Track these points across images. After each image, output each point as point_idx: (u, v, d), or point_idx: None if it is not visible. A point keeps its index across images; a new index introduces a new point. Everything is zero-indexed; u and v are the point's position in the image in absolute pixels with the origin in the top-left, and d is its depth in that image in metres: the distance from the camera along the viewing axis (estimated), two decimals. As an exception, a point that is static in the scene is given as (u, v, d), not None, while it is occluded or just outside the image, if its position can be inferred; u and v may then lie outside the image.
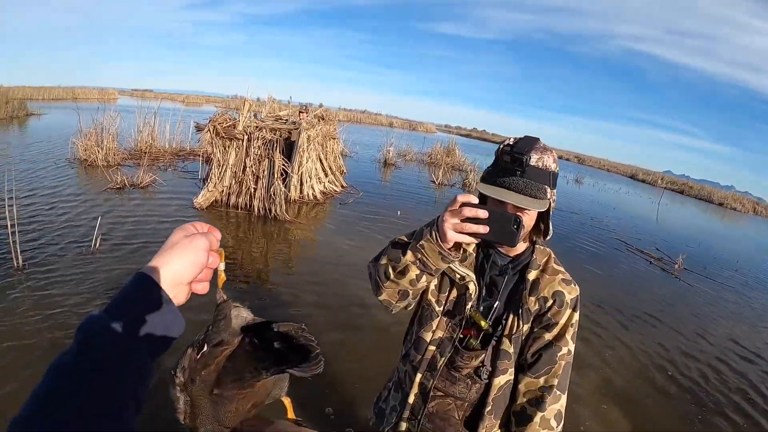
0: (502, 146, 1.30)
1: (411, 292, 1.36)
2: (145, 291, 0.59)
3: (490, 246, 1.45)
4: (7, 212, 4.98)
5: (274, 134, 7.91)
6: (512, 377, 1.43)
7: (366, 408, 3.23)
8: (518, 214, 1.13)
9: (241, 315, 0.87)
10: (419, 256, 1.23)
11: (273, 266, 5.79)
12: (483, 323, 1.41)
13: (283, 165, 8.00)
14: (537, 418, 1.37)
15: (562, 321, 1.39)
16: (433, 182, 14.48)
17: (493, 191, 1.26)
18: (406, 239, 1.34)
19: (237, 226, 7.13)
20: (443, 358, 1.47)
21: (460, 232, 1.12)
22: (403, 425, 1.57)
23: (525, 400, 1.41)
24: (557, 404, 1.38)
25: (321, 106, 11.12)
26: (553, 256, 1.48)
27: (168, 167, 10.47)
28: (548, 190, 1.28)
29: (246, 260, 5.77)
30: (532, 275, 1.42)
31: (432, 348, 1.49)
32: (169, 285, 0.61)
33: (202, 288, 0.69)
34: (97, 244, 5.30)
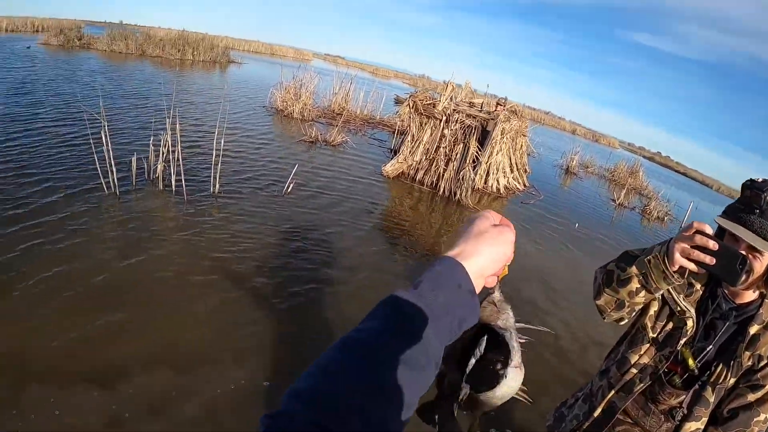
0: (749, 182, 1.25)
1: (627, 304, 1.37)
2: (456, 279, 0.57)
3: (717, 286, 1.38)
4: (214, 143, 5.51)
5: (473, 120, 7.94)
6: (703, 426, 1.37)
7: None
8: (749, 255, 1.13)
9: (510, 319, 0.77)
10: (643, 270, 1.24)
11: (436, 246, 5.85)
12: (691, 362, 1.37)
13: (477, 152, 8.02)
14: None
15: None
16: (613, 201, 13.71)
17: (728, 224, 1.23)
18: (636, 252, 1.34)
19: (420, 200, 7.33)
20: (641, 384, 1.45)
21: (687, 258, 1.11)
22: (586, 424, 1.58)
23: None
24: None
25: (506, 99, 10.86)
26: None
27: (358, 131, 10.91)
28: None
29: (423, 235, 5.91)
30: (753, 329, 1.32)
31: (634, 371, 1.47)
32: (474, 275, 0.59)
33: (491, 282, 0.67)
34: (289, 189, 5.60)
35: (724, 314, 1.36)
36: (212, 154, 5.37)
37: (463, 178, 7.73)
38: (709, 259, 1.06)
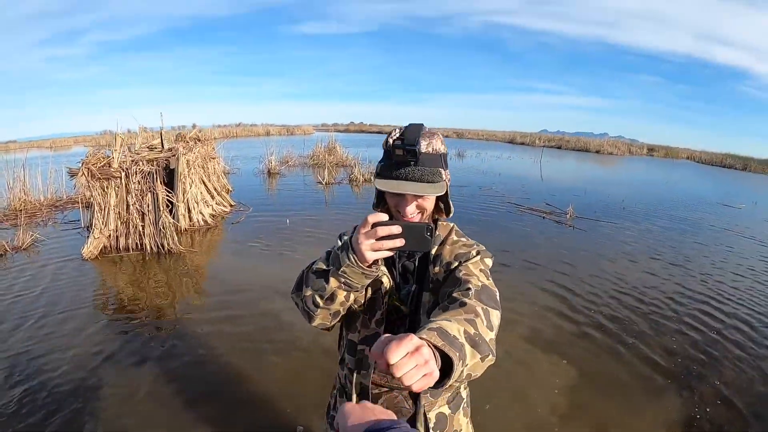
0: (391, 140, 1.35)
1: (342, 309, 1.38)
2: None
3: None
4: None
5: (152, 165, 7.76)
6: None
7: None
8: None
9: None
10: (342, 280, 1.23)
11: (180, 302, 5.72)
12: (403, 308, 1.47)
13: (167, 195, 7.89)
14: (453, 312, 1.18)
15: (469, 269, 1.38)
16: (320, 183, 14.70)
17: (391, 185, 1.32)
18: (324, 266, 1.34)
19: (133, 268, 6.92)
20: None
21: (378, 250, 1.13)
22: None
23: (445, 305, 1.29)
24: (480, 307, 1.20)
25: (194, 126, 10.97)
26: (455, 228, 1.58)
27: (48, 221, 9.96)
28: (442, 171, 1.36)
29: (151, 304, 5.59)
30: (434, 250, 1.49)
31: (362, 347, 1.51)
32: None
33: None
34: None
35: (410, 254, 1.51)
36: None
37: (163, 226, 7.56)
38: (399, 242, 1.11)
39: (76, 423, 3.43)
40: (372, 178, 14.59)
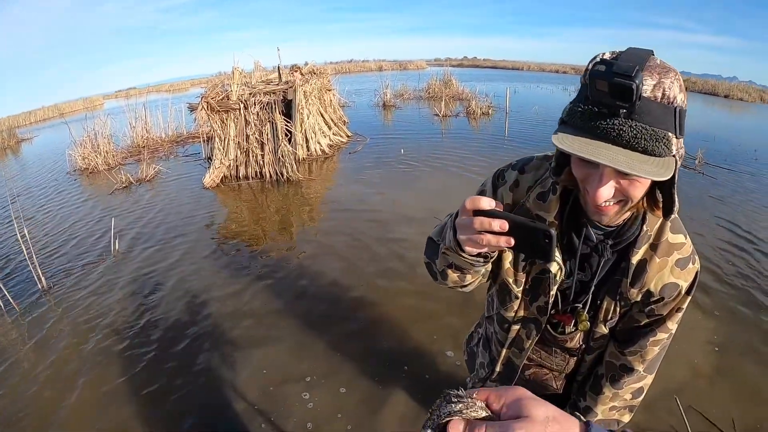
0: (592, 65, 0.80)
1: (469, 284, 1.15)
2: None
3: (576, 209, 1.07)
4: (19, 237, 4.85)
5: (271, 96, 7.71)
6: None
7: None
8: (549, 230, 0.71)
9: None
10: (449, 262, 1.01)
11: (299, 229, 5.73)
12: (583, 319, 1.16)
13: (286, 125, 7.85)
14: (609, 393, 1.26)
15: (668, 310, 1.11)
16: (437, 115, 14.16)
17: (579, 146, 0.78)
18: (435, 238, 1.13)
19: (252, 196, 7.02)
20: (530, 340, 1.28)
21: (479, 244, 0.79)
22: (492, 385, 1.46)
23: (604, 370, 1.26)
24: (638, 383, 1.24)
25: (306, 64, 10.72)
26: (669, 221, 1.04)
27: (169, 155, 10.31)
28: (673, 139, 0.80)
29: (270, 229, 5.68)
30: (637, 256, 1.05)
31: (516, 327, 1.29)
32: None
33: None
34: (117, 247, 5.16)
35: (596, 247, 1.07)
36: (21, 249, 4.67)
37: (282, 155, 7.58)
38: (505, 242, 0.75)
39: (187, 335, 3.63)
40: (489, 111, 13.87)
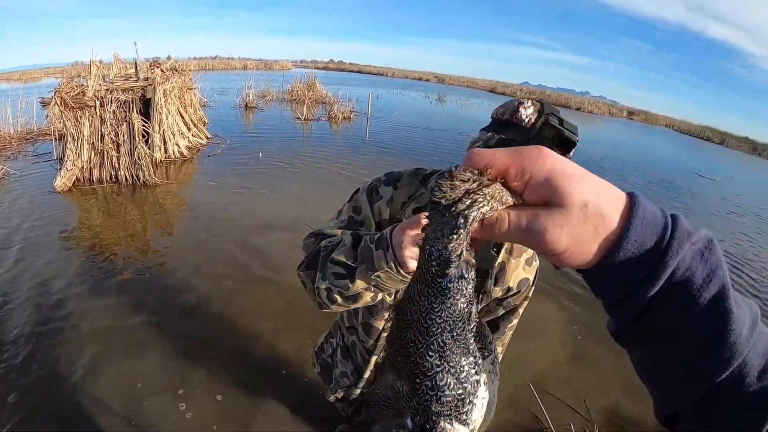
0: (533, 116, 1.09)
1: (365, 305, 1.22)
2: None
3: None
4: None
5: (128, 94, 7.56)
6: None
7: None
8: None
9: None
10: (373, 283, 1.04)
11: (154, 234, 5.67)
12: None
13: (143, 125, 7.73)
14: None
15: (521, 300, 1.40)
16: (299, 118, 14.53)
17: None
18: (346, 260, 1.08)
19: (106, 201, 6.79)
20: None
21: None
22: (357, 391, 1.56)
23: None
24: None
25: (170, 58, 10.62)
26: None
27: (18, 154, 9.67)
28: None
29: (123, 235, 5.54)
30: (498, 259, 1.28)
31: (385, 335, 1.37)
32: None
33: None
34: None
35: None
36: None
37: (139, 157, 7.44)
38: None
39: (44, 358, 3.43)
40: (351, 115, 14.52)
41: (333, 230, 1.28)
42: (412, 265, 0.92)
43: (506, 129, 1.11)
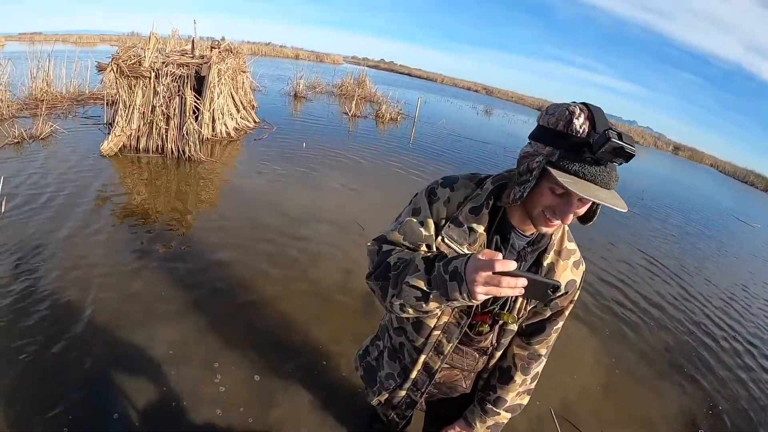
0: (586, 129, 1.05)
1: None
2: None
3: (503, 224, 1.31)
4: None
5: (184, 69, 7.56)
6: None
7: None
8: (558, 284, 1.00)
9: None
10: (445, 305, 1.12)
11: (195, 209, 5.64)
12: (509, 320, 1.40)
13: (195, 101, 7.75)
14: (519, 380, 1.53)
15: (567, 302, 1.45)
16: (346, 114, 14.49)
17: (583, 188, 1.01)
18: (423, 285, 1.13)
19: (150, 170, 6.82)
20: (450, 344, 1.45)
21: (496, 295, 1.01)
22: (402, 393, 1.61)
23: (513, 362, 1.53)
24: (539, 368, 1.55)
25: (224, 39, 10.62)
26: (566, 230, 1.38)
27: (68, 114, 9.78)
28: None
29: (165, 206, 5.53)
30: (547, 260, 1.33)
31: (437, 333, 1.44)
32: None
33: None
34: (2, 208, 4.78)
35: (520, 254, 1.32)
36: None
37: (187, 132, 7.45)
38: (519, 292, 0.97)
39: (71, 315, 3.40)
40: (398, 117, 14.35)
41: (393, 234, 1.36)
42: (482, 298, 1.01)
43: (561, 140, 1.08)
